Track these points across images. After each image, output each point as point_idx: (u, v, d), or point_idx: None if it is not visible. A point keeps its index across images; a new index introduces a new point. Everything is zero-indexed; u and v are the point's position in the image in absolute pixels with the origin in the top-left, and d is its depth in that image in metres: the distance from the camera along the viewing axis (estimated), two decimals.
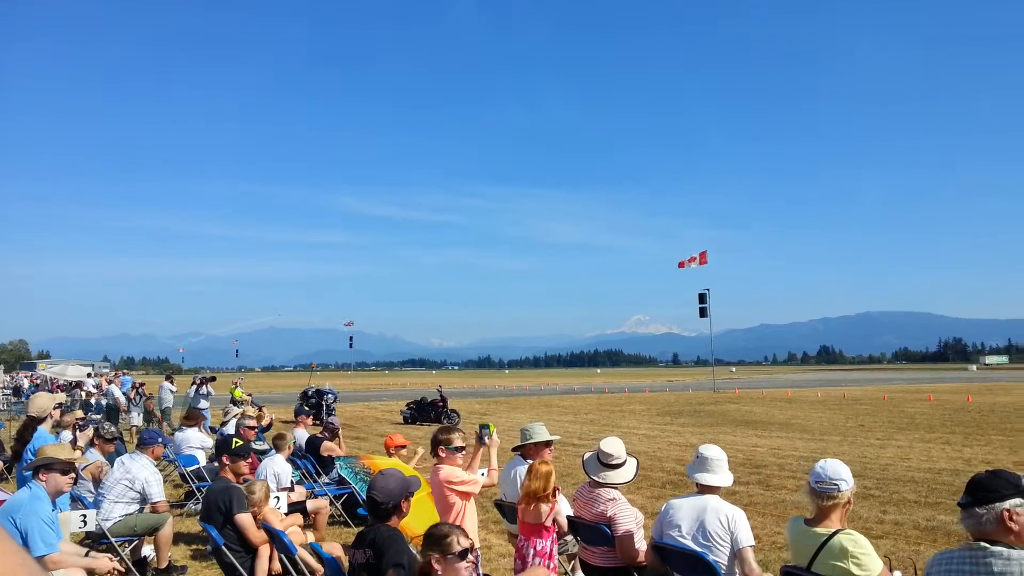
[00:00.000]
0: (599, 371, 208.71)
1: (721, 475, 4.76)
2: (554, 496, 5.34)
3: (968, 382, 63.69)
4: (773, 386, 58.88)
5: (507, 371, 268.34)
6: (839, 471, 4.00)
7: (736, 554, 4.45)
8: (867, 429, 21.79)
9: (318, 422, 17.72)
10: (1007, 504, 3.14)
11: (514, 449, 6.51)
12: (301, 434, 11.64)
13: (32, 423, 8.45)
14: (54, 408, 8.84)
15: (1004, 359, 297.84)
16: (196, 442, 12.18)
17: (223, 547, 6.38)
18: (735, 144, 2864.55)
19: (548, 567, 5.28)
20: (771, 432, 21.26)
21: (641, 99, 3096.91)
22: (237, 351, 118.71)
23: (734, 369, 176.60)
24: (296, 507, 8.51)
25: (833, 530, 3.92)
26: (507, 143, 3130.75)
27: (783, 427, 22.90)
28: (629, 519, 5.17)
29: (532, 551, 5.30)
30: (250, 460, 7.42)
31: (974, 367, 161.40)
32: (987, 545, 3.09)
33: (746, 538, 4.46)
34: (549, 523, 5.33)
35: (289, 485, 8.67)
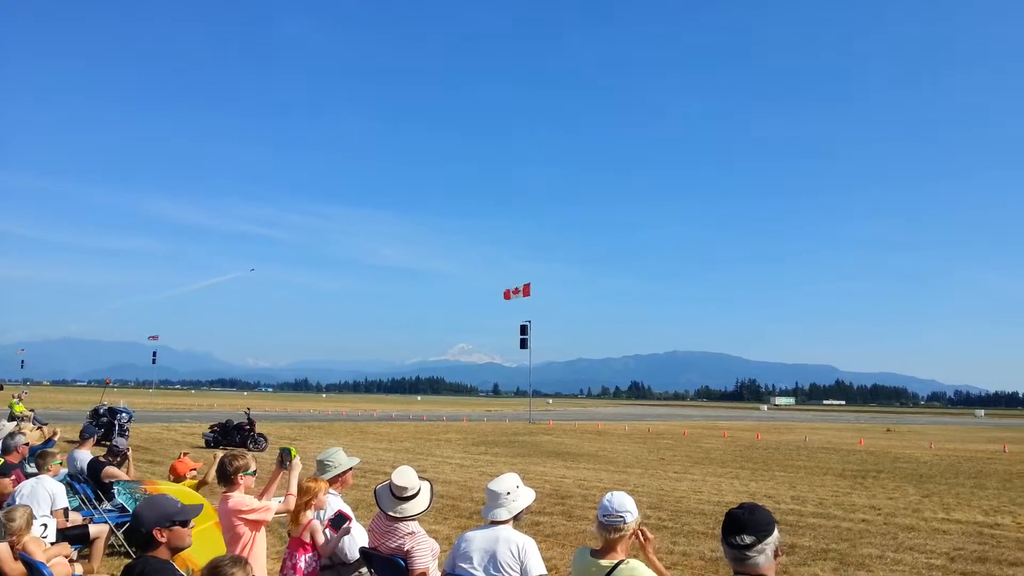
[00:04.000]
0: (419, 398, 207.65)
1: (506, 507, 4.76)
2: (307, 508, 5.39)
3: (759, 420, 69.49)
4: (586, 418, 61.18)
5: (325, 395, 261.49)
6: (624, 503, 4.13)
7: None
8: (667, 462, 23.07)
9: (106, 443, 16.30)
10: (775, 538, 3.18)
11: None
12: (83, 456, 10.60)
13: None
14: None
15: (791, 400, 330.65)
16: None
17: None
18: (554, 173, 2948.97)
19: None
20: (579, 463, 21.96)
21: (466, 119, 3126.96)
22: (23, 361, 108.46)
23: (551, 401, 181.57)
24: (73, 535, 7.72)
25: (617, 561, 4.03)
26: (329, 157, 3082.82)
27: (591, 459, 23.78)
28: (426, 553, 5.07)
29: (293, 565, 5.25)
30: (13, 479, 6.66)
31: (765, 407, 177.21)
32: None
33: (536, 567, 4.50)
34: (307, 539, 5.30)
35: (60, 510, 7.79)
